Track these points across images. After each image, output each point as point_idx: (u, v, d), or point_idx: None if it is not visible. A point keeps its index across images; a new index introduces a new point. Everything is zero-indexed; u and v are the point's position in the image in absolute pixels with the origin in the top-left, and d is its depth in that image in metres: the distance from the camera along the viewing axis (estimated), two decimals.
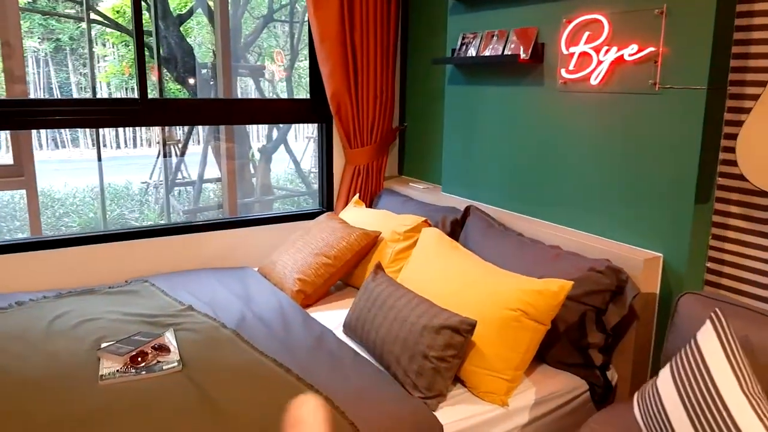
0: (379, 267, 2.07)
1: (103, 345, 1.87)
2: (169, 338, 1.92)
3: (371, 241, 2.40)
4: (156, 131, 8.50)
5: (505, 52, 2.32)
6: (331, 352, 1.85)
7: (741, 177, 1.75)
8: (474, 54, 2.47)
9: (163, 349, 1.85)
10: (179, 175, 6.67)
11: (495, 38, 2.40)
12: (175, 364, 1.75)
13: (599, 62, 1.98)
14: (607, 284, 1.81)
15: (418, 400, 1.62)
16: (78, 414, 1.50)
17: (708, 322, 1.49)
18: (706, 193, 1.79)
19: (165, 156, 6.75)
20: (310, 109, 3.05)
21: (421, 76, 3.11)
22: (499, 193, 2.47)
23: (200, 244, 2.79)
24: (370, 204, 3.09)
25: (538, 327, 1.73)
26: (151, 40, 5.41)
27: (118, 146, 9.04)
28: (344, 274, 2.43)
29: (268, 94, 7.06)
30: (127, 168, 7.86)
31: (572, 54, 2.08)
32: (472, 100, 2.59)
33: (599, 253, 1.95)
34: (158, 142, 7.37)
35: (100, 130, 8.10)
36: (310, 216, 3.12)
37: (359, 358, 1.84)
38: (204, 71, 6.24)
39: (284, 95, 7.09)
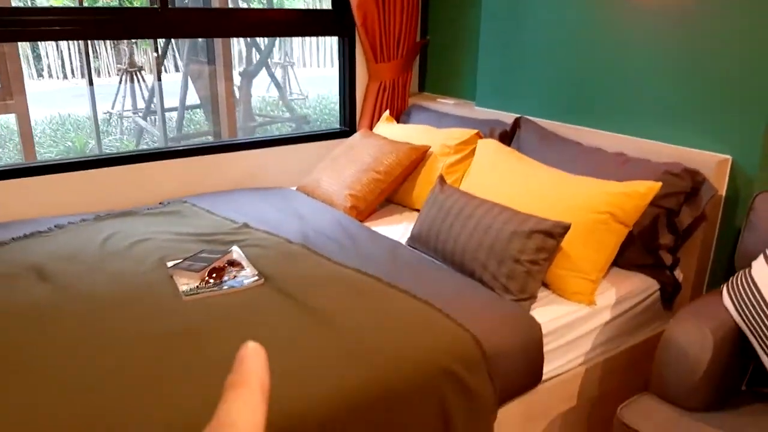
0: (442, 179, 2.03)
1: (170, 263, 1.79)
2: (239, 253, 1.85)
3: (420, 156, 2.35)
4: (112, 59, 7.99)
5: None
6: (409, 262, 1.83)
7: None
8: None
9: (236, 264, 1.79)
10: (140, 104, 6.33)
11: None
12: (256, 277, 1.70)
13: None
14: (683, 186, 1.83)
15: (513, 302, 1.63)
16: (172, 329, 1.44)
17: None
18: None
19: (134, 82, 6.39)
20: (332, 20, 2.89)
21: None
22: (545, 104, 2.43)
23: (226, 165, 2.68)
24: (398, 121, 3.01)
25: (622, 229, 1.74)
26: None
27: (74, 75, 8.47)
28: (393, 189, 2.38)
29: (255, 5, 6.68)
30: (84, 99, 7.38)
31: None
32: (515, 6, 2.49)
33: (665, 157, 1.96)
34: (120, 70, 6.94)
35: (57, 59, 7.58)
36: (333, 135, 3.02)
37: (438, 266, 1.82)
38: None
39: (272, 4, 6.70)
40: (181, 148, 2.58)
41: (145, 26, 2.39)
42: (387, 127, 2.69)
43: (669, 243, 1.88)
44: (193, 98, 5.88)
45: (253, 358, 0.28)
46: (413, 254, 1.90)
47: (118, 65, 7.46)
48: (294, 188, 2.61)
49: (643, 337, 1.89)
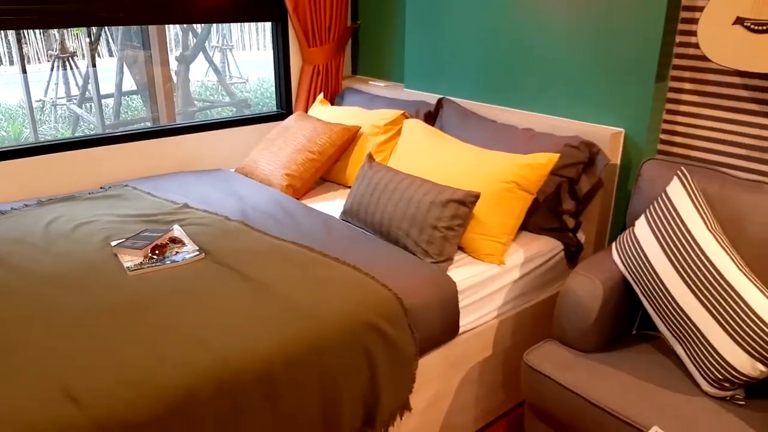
0: (371, 157, 2.20)
1: (114, 243, 1.90)
2: (180, 231, 1.98)
3: (351, 136, 2.51)
4: (42, 44, 7.74)
5: None
6: (342, 233, 2.00)
7: (695, 56, 2.01)
8: None
9: (177, 241, 1.92)
10: (74, 90, 6.21)
11: None
12: (197, 252, 1.84)
13: None
14: (580, 157, 2.06)
15: (432, 264, 1.83)
16: (119, 302, 1.56)
17: (675, 179, 1.78)
18: (664, 72, 2.05)
19: (66, 68, 6.25)
20: (265, 6, 2.99)
21: None
22: (466, 85, 2.63)
23: (166, 149, 2.77)
24: (332, 103, 3.15)
25: (527, 196, 1.96)
26: None
27: (1, 62, 8.17)
28: (327, 168, 2.54)
29: None
30: (13, 87, 7.14)
31: None
32: None
33: (568, 132, 2.19)
34: (52, 56, 6.76)
35: None
36: (270, 118, 3.14)
37: (368, 236, 2.00)
38: None
39: None
40: (120, 133, 2.65)
41: (75, 15, 2.43)
42: (321, 109, 2.83)
43: (571, 208, 2.11)
44: (129, 84, 5.82)
45: None
46: (345, 226, 2.07)
47: (49, 51, 7.24)
48: (233, 170, 2.72)
49: (550, 293, 2.14)
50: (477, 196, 1.86)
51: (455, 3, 2.59)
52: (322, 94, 3.02)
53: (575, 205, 2.12)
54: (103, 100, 6.06)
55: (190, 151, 2.85)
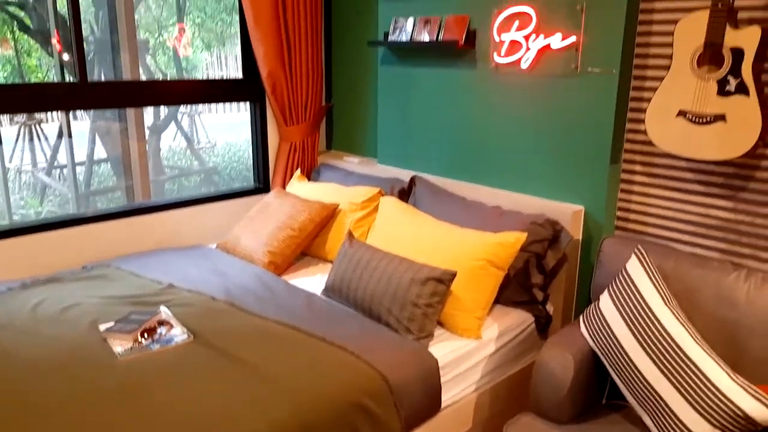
0: (351, 234, 2.32)
1: (102, 327, 1.94)
2: (167, 313, 2.03)
3: (330, 213, 2.63)
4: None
5: (440, 38, 2.62)
6: (324, 311, 2.09)
7: (644, 142, 2.22)
8: (408, 38, 2.75)
9: (165, 323, 1.97)
10: (41, 158, 6.20)
11: (429, 24, 2.69)
12: (186, 335, 1.89)
13: (528, 49, 2.35)
14: (545, 234, 2.22)
15: (414, 341, 1.92)
16: (109, 388, 1.60)
17: (634, 256, 1.94)
18: (617, 155, 2.25)
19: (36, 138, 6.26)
20: (244, 88, 3.15)
21: (347, 56, 3.32)
22: (437, 163, 2.80)
23: (146, 226, 2.83)
24: (308, 178, 3.29)
25: (499, 273, 2.09)
26: (17, 11, 5.00)
27: None
28: (307, 244, 2.63)
29: (154, 71, 6.79)
30: None
31: (503, 41, 2.43)
32: (406, 80, 2.87)
33: (534, 209, 2.36)
34: (18, 123, 6.77)
35: None
36: (248, 193, 3.25)
37: (350, 313, 2.09)
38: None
39: (171, 71, 6.86)
40: (99, 213, 2.70)
41: (64, 99, 2.53)
42: (299, 186, 2.95)
43: (539, 282, 2.25)
44: (97, 152, 5.86)
45: None
46: (327, 303, 2.15)
47: (15, 118, 7.24)
48: (214, 246, 2.80)
49: (524, 365, 2.25)
50: (454, 275, 1.98)
51: (424, 87, 2.79)
52: (299, 170, 3.15)
53: (543, 279, 2.26)
54: (64, 170, 6.07)
55: (169, 227, 2.91)
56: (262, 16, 2.94)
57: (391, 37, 2.83)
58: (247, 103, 3.25)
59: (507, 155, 2.53)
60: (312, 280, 2.46)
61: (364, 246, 2.21)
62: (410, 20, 2.75)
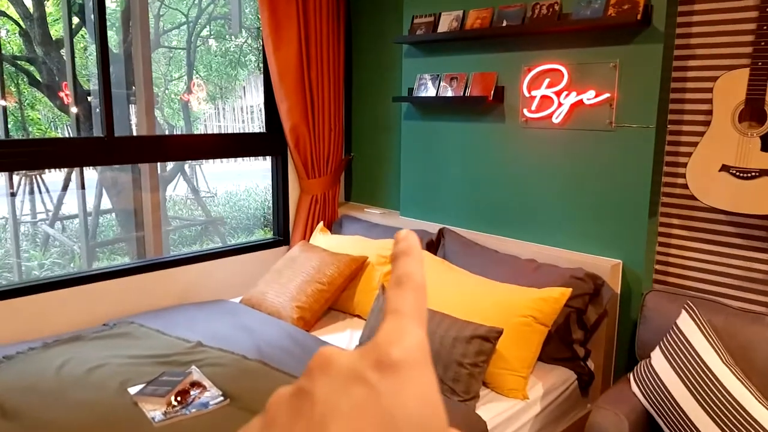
0: (384, 289, 2.26)
1: (132, 390, 1.85)
2: (199, 374, 1.94)
3: (359, 266, 2.58)
4: None
5: (467, 93, 2.64)
6: None
7: (681, 196, 2.21)
8: (434, 94, 2.77)
9: (198, 385, 1.88)
10: (42, 208, 6.13)
11: (455, 81, 2.72)
12: (221, 398, 1.80)
13: (560, 104, 2.37)
14: (586, 289, 2.18)
15: (460, 403, 1.84)
16: None
17: (684, 312, 1.89)
18: (654, 208, 2.24)
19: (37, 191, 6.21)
20: (267, 142, 3.15)
21: (368, 111, 3.35)
22: (463, 216, 2.78)
23: (166, 281, 2.76)
24: (330, 230, 3.25)
25: (543, 329, 2.04)
26: (25, 65, 5.04)
27: None
28: (336, 298, 2.57)
29: (161, 123, 6.83)
30: None
31: (533, 97, 2.45)
32: (430, 134, 2.88)
33: (569, 263, 2.32)
34: (19, 174, 6.72)
35: None
36: (268, 246, 3.20)
37: None
38: (90, 99, 5.90)
39: (181, 124, 6.91)
40: (118, 268, 2.64)
41: (91, 155, 2.51)
42: (323, 238, 2.91)
43: (580, 338, 2.20)
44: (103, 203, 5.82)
45: (411, 235, 0.33)
46: None
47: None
48: (237, 300, 2.72)
49: (567, 424, 2.16)
50: (500, 332, 1.92)
51: (449, 141, 2.79)
52: (321, 222, 3.11)
53: (584, 334, 2.20)
54: (74, 220, 5.99)
55: (187, 282, 2.84)
56: (288, 73, 2.97)
57: (416, 93, 2.85)
58: (268, 157, 3.24)
59: (538, 208, 2.51)
60: (342, 337, 2.39)
61: None
62: (436, 77, 2.78)
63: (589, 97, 2.29)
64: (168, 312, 2.54)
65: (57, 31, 6.22)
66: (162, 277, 2.76)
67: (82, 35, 6.38)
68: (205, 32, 7.44)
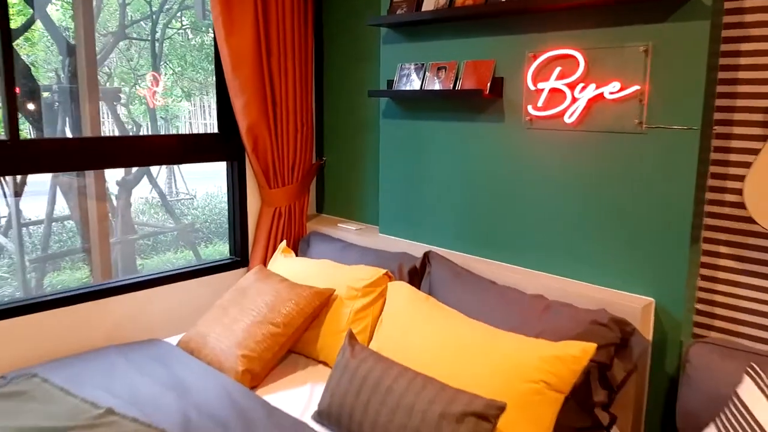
0: (353, 337, 1.76)
1: None
2: None
3: (324, 301, 2.08)
4: None
5: (459, 86, 2.15)
6: None
7: (731, 217, 1.73)
8: (419, 87, 2.27)
9: None
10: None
11: (443, 71, 2.22)
12: None
13: (574, 100, 1.88)
14: (612, 337, 1.69)
15: None
16: None
17: (747, 378, 1.41)
18: (696, 233, 1.75)
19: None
20: (220, 144, 2.64)
21: (342, 106, 2.85)
22: (453, 236, 2.29)
23: (93, 315, 2.25)
24: (295, 249, 2.74)
25: (558, 397, 1.55)
26: None
27: None
28: (293, 341, 2.07)
29: (125, 121, 6.30)
30: None
31: (540, 90, 1.96)
32: (414, 135, 2.38)
33: (588, 301, 1.83)
34: None
35: None
36: (222, 268, 2.69)
37: None
38: (47, 95, 5.35)
39: (146, 124, 6.38)
40: (33, 300, 2.12)
41: (22, 163, 2.00)
42: (285, 262, 2.41)
43: (603, 400, 1.70)
44: (62, 208, 5.29)
45: None
46: None
47: None
48: (175, 341, 2.22)
49: None
50: (502, 408, 1.43)
51: (436, 144, 2.30)
52: (284, 242, 2.60)
53: (607, 396, 1.71)
54: (30, 228, 5.45)
55: (122, 315, 2.33)
56: (243, 62, 2.46)
57: (396, 86, 2.36)
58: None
59: (546, 229, 2.02)
60: (300, 394, 1.88)
61: (372, 356, 1.66)
62: (420, 66, 2.29)
63: (612, 90, 1.79)
64: (85, 359, 2.03)
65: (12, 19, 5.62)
66: (87, 311, 2.24)
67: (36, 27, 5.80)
68: (177, 23, 6.91)
